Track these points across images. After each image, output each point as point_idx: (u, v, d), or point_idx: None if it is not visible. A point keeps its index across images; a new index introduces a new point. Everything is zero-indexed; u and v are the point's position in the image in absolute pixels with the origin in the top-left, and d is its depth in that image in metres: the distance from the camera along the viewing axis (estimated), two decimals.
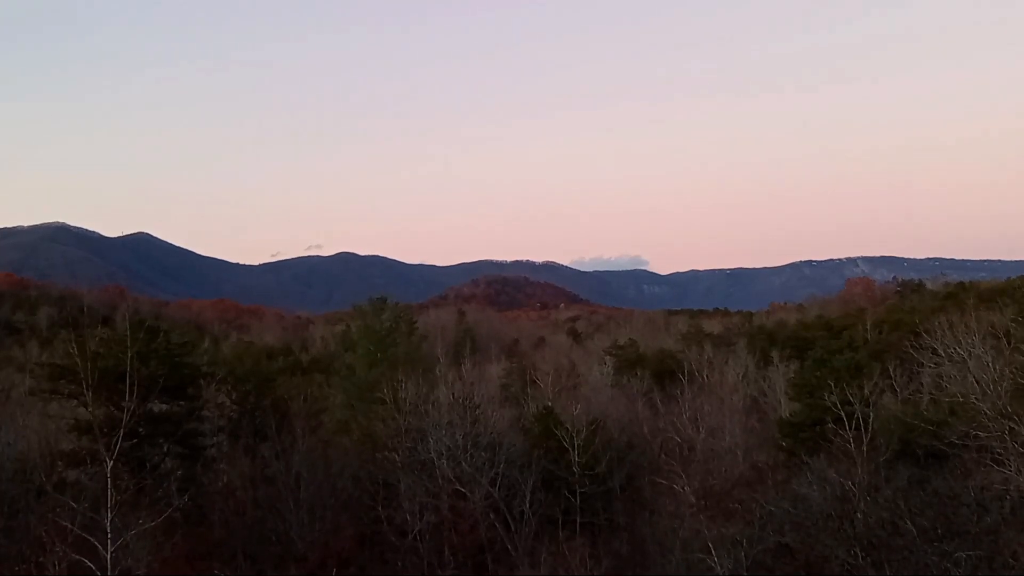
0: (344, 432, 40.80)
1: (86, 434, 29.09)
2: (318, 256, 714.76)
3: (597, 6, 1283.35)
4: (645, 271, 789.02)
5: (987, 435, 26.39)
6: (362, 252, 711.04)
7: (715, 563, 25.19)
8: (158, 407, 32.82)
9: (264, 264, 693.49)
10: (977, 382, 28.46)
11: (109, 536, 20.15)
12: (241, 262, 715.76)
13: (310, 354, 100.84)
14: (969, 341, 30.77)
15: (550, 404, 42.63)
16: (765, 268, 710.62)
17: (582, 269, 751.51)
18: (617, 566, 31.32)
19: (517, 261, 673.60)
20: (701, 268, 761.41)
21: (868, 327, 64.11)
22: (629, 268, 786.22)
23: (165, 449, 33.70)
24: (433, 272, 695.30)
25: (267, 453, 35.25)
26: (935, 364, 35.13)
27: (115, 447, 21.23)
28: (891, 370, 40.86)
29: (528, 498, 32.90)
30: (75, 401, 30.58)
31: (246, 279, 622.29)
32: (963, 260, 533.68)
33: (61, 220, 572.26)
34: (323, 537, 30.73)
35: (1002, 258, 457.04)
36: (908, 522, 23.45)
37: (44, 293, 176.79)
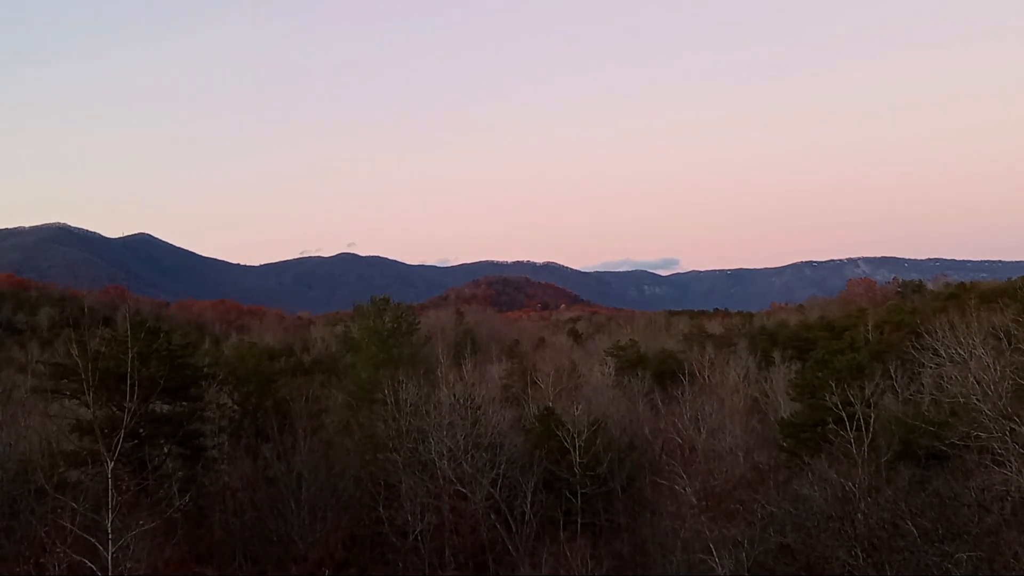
0: (345, 433, 40.79)
1: (87, 434, 29.05)
2: (318, 257, 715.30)
3: (598, 7, 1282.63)
4: (646, 272, 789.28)
5: (988, 436, 26.39)
6: (363, 253, 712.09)
7: (716, 564, 25.20)
8: (160, 408, 32.81)
9: (265, 265, 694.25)
10: (978, 383, 28.41)
11: (110, 536, 20.12)
12: (242, 263, 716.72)
13: (311, 355, 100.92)
14: (970, 342, 30.74)
15: (551, 405, 42.68)
16: (766, 269, 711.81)
17: (599, 271, 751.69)
18: (618, 567, 31.30)
19: (518, 262, 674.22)
20: (702, 269, 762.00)
21: (869, 328, 64.05)
22: (639, 268, 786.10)
23: (166, 450, 33.64)
24: (434, 273, 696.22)
25: (268, 454, 35.30)
26: (936, 365, 35.09)
27: (116, 448, 21.19)
28: (892, 371, 40.85)
29: (529, 499, 32.93)
30: (76, 401, 30.58)
31: (246, 280, 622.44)
32: (964, 260, 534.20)
33: (62, 221, 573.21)
34: (324, 538, 30.73)
35: (1003, 258, 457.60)
36: (909, 523, 23.43)
37: (45, 294, 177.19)
